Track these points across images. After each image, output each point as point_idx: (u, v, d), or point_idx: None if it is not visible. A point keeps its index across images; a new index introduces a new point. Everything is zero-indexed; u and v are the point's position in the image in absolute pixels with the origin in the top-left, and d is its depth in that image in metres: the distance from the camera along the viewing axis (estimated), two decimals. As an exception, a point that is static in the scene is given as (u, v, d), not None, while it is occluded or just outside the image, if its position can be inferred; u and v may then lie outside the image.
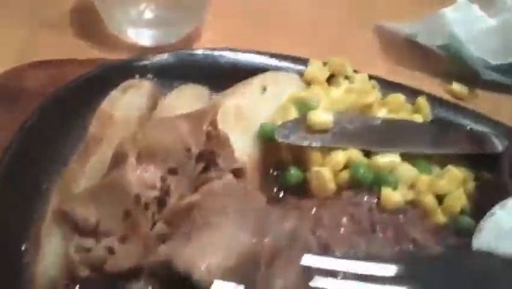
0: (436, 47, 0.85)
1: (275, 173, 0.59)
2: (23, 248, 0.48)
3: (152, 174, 0.48)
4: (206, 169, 0.50)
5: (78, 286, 0.47)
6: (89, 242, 0.48)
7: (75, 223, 0.47)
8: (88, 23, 0.81)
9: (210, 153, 0.49)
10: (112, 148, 0.53)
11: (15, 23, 0.78)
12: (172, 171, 0.49)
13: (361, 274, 0.45)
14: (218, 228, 0.45)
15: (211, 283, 0.41)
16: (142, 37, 0.80)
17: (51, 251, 0.48)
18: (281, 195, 0.58)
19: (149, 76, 0.64)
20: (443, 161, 0.61)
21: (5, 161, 0.52)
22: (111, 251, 0.46)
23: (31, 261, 0.47)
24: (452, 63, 0.86)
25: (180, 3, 0.79)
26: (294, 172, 0.58)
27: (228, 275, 0.42)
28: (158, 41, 0.79)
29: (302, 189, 0.58)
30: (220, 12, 0.86)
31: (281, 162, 0.60)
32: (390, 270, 0.44)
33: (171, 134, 0.49)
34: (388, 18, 0.92)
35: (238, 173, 0.49)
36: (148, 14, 0.78)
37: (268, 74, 0.65)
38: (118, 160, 0.48)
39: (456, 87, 0.81)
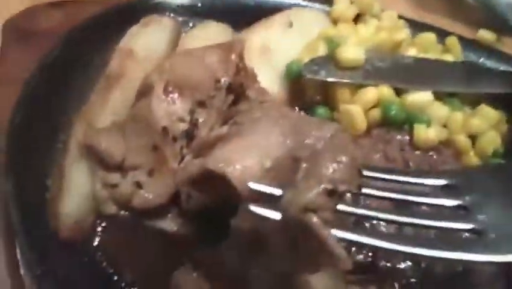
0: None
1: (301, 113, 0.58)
2: (47, 183, 0.47)
3: (179, 106, 0.46)
4: (235, 102, 0.47)
5: (105, 223, 0.46)
6: (115, 177, 0.46)
7: (101, 157, 0.45)
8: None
9: (239, 86, 0.47)
10: (133, 83, 0.51)
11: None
12: (201, 104, 0.46)
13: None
14: (254, 133, 0.41)
15: (246, 184, 0.38)
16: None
17: (76, 186, 0.46)
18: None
19: (169, 13, 0.62)
20: (476, 102, 0.59)
21: (25, 93, 0.50)
22: (138, 185, 0.45)
23: (56, 196, 0.46)
24: (480, 9, 0.83)
25: None
26: (321, 111, 0.56)
27: (265, 176, 0.38)
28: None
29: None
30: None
31: (308, 102, 0.58)
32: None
33: (200, 65, 0.47)
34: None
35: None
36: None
37: (293, 10, 0.62)
38: (144, 92, 0.46)
39: (484, 33, 0.77)
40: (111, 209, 0.46)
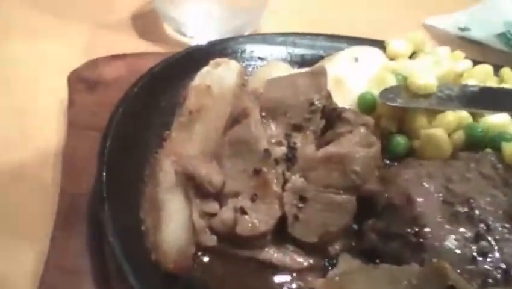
0: (492, 37, 0.85)
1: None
2: (140, 216, 0.44)
3: (276, 131, 0.45)
4: (330, 125, 0.47)
5: (207, 257, 0.42)
6: (213, 206, 0.44)
7: (200, 185, 0.43)
8: (146, 25, 0.81)
9: (333, 110, 0.47)
10: (213, 116, 0.51)
11: (79, 27, 0.78)
12: (296, 128, 0.46)
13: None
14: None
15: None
16: (201, 35, 0.80)
17: (174, 218, 0.43)
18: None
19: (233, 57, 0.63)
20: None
21: (110, 132, 0.48)
22: (243, 211, 0.42)
23: (155, 229, 0.42)
24: (509, 52, 0.87)
25: (240, 7, 0.80)
26: (401, 140, 0.55)
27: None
28: (216, 40, 0.79)
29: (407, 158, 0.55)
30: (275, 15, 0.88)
31: (382, 133, 0.57)
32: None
33: (292, 89, 0.47)
34: (436, 14, 0.94)
35: (367, 127, 0.46)
36: (210, 13, 0.78)
37: (355, 48, 0.64)
38: (238, 118, 0.45)
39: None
40: (211, 240, 0.43)
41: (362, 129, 0.45)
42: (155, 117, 0.54)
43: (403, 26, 0.94)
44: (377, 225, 0.46)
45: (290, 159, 0.45)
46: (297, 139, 0.46)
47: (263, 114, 0.46)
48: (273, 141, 0.45)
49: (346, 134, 0.45)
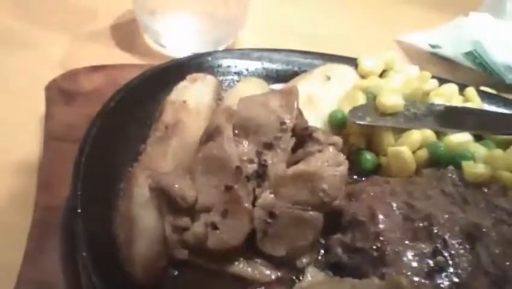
0: (460, 55, 0.89)
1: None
2: (113, 231, 0.45)
3: (247, 148, 0.47)
4: (300, 144, 0.49)
5: (177, 270, 0.44)
6: (185, 220, 0.45)
7: (172, 200, 0.44)
8: (126, 35, 0.83)
9: (304, 129, 0.49)
10: (189, 131, 0.52)
11: (59, 37, 0.78)
12: (267, 146, 0.48)
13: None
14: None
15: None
16: (179, 48, 0.82)
17: (145, 232, 0.44)
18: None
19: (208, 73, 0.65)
20: (502, 143, 0.62)
21: (86, 145, 0.49)
22: (214, 226, 0.44)
23: (128, 242, 0.44)
24: (476, 71, 0.90)
25: (219, 19, 0.82)
26: (369, 156, 0.58)
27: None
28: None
29: (374, 174, 0.58)
30: (254, 28, 0.90)
31: (351, 149, 0.60)
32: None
33: (264, 108, 0.48)
34: (408, 31, 0.98)
35: (336, 146, 0.48)
36: (188, 27, 0.80)
37: (327, 66, 0.66)
38: (212, 134, 0.47)
39: (486, 89, 0.84)
40: (182, 253, 0.44)
41: (331, 149, 0.47)
42: (132, 131, 0.55)
43: (377, 41, 0.98)
44: (342, 240, 0.48)
45: (261, 176, 0.46)
46: (268, 156, 0.47)
47: (236, 131, 0.48)
48: (245, 158, 0.46)
49: (315, 153, 0.47)
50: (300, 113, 0.51)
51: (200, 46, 0.81)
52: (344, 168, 0.47)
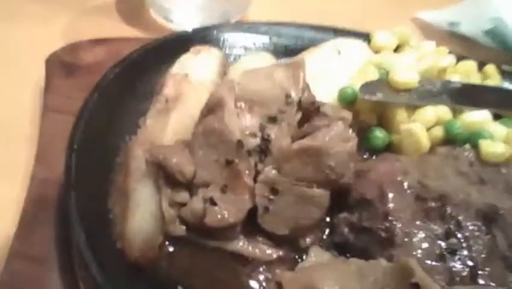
0: (480, 32, 0.85)
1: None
2: (108, 205, 0.43)
3: (250, 122, 0.44)
4: (307, 119, 0.46)
5: (173, 245, 0.42)
6: (183, 195, 0.43)
7: (170, 174, 0.42)
8: (131, 9, 0.80)
9: (311, 103, 0.46)
10: (191, 105, 0.50)
11: (62, 11, 0.76)
12: (271, 119, 0.45)
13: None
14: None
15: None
16: (185, 21, 0.79)
17: (142, 207, 0.43)
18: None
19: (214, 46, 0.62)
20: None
21: (82, 118, 0.48)
22: (212, 202, 0.42)
23: (122, 217, 0.42)
24: (497, 48, 0.86)
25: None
26: (380, 133, 0.55)
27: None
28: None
29: (386, 152, 0.55)
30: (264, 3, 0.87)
31: (362, 127, 0.57)
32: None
33: (269, 81, 0.46)
34: (427, 8, 0.94)
35: (344, 122, 0.46)
36: (194, 3, 0.76)
37: (339, 40, 0.63)
38: (213, 108, 0.44)
39: (507, 68, 0.80)
40: (180, 229, 0.42)
41: (340, 124, 0.44)
42: (131, 104, 0.53)
43: (392, 19, 0.94)
44: (349, 219, 0.46)
45: (264, 150, 0.44)
46: (272, 131, 0.45)
47: (239, 104, 0.45)
48: (247, 132, 0.44)
49: (322, 128, 0.44)
50: (307, 87, 0.48)
51: (207, 21, 0.78)
52: (352, 144, 0.44)
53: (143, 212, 0.42)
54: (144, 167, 0.44)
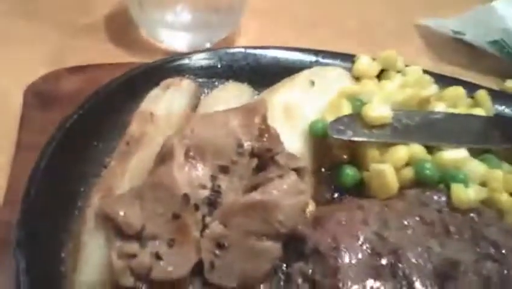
0: (486, 43, 0.80)
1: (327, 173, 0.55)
2: (62, 255, 0.44)
3: (201, 172, 0.44)
4: (263, 167, 0.45)
5: (122, 297, 0.43)
6: (133, 247, 0.43)
7: (118, 226, 0.43)
8: (121, 29, 0.80)
9: (266, 151, 0.45)
10: (154, 147, 0.49)
11: (50, 30, 0.77)
12: (223, 169, 0.45)
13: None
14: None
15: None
16: (177, 41, 0.78)
17: (93, 258, 0.43)
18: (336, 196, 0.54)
19: (188, 75, 0.62)
20: (513, 157, 0.55)
21: (43, 160, 0.48)
22: (158, 257, 0.42)
23: (72, 269, 0.43)
24: (503, 60, 0.81)
25: (217, 7, 0.77)
26: (350, 171, 0.53)
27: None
28: (192, 46, 0.76)
29: (358, 190, 0.53)
30: (255, 15, 0.85)
31: (333, 162, 0.55)
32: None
33: (221, 129, 0.45)
34: (431, 15, 0.89)
35: (299, 172, 0.45)
36: (184, 18, 0.75)
37: (314, 69, 0.61)
38: (164, 157, 0.44)
39: (511, 84, 0.75)
40: (129, 281, 0.43)
41: (292, 175, 0.43)
42: (99, 143, 0.54)
43: (397, 26, 0.90)
44: (303, 269, 0.45)
45: (213, 203, 0.44)
46: (223, 182, 0.44)
47: (191, 154, 0.45)
48: (197, 183, 0.44)
49: (275, 179, 0.43)
50: (264, 132, 0.47)
51: (197, 38, 0.78)
52: (304, 197, 0.43)
53: (91, 265, 0.43)
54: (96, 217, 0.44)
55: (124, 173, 0.48)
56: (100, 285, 0.43)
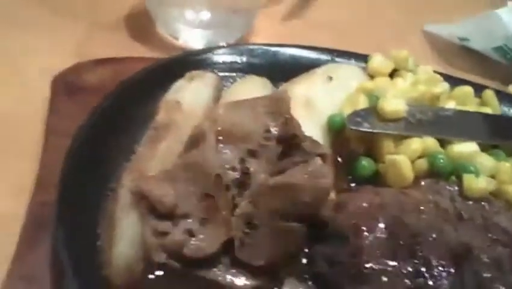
0: (490, 49, 0.84)
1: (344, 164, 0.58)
2: (98, 231, 0.46)
3: (230, 155, 0.47)
4: (288, 153, 0.48)
5: (156, 272, 0.45)
6: (166, 225, 0.46)
7: (152, 204, 0.45)
8: (140, 25, 0.82)
9: (292, 137, 0.48)
10: (180, 133, 0.52)
11: (72, 25, 0.79)
12: (251, 153, 0.47)
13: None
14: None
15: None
16: (193, 38, 0.81)
17: (127, 235, 0.45)
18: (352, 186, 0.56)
19: (211, 69, 0.64)
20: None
21: (75, 146, 0.51)
22: (190, 234, 0.44)
23: (107, 245, 0.45)
24: (506, 65, 0.85)
25: (236, 7, 0.80)
26: (366, 162, 0.56)
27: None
28: (208, 44, 0.79)
29: (374, 180, 0.56)
30: (269, 16, 0.88)
31: (350, 153, 0.58)
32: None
33: (250, 115, 0.48)
34: (436, 22, 0.93)
35: (323, 158, 0.47)
36: (203, 16, 0.78)
37: (331, 65, 0.64)
38: (196, 140, 0.47)
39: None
40: (161, 257, 0.45)
41: (317, 160, 0.46)
42: (129, 130, 0.55)
43: (403, 31, 0.94)
44: (325, 251, 0.47)
45: (242, 184, 0.46)
46: (252, 164, 0.47)
47: (220, 138, 0.47)
48: (227, 165, 0.46)
49: (300, 164, 0.46)
50: (289, 120, 0.49)
51: (213, 37, 0.81)
52: (328, 180, 0.46)
53: (126, 240, 0.45)
54: (130, 196, 0.47)
55: (154, 157, 0.50)
56: (134, 259, 0.45)
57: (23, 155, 0.59)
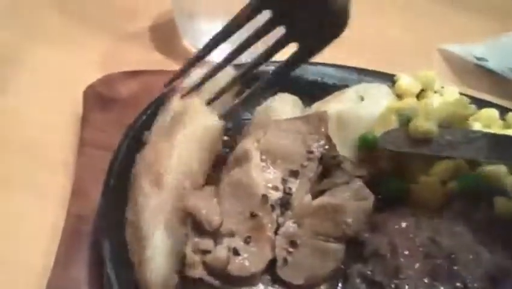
0: (508, 70, 0.85)
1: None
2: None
3: (273, 175, 0.48)
4: (327, 174, 0.49)
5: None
6: (207, 243, 0.46)
7: (198, 222, 0.46)
8: (166, 37, 0.83)
9: (332, 157, 0.48)
10: (198, 125, 0.52)
11: (98, 37, 0.80)
12: (293, 173, 0.48)
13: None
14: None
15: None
16: (221, 53, 0.82)
17: (159, 249, 0.46)
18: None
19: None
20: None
21: (119, 155, 0.52)
22: (235, 252, 0.45)
23: (138, 260, 0.46)
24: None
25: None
26: (396, 183, 0.57)
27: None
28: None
29: (401, 200, 0.57)
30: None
31: (379, 172, 0.59)
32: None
33: (291, 135, 0.49)
34: (453, 41, 0.94)
35: (363, 179, 0.48)
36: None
37: (361, 85, 0.65)
38: (241, 160, 0.48)
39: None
40: (199, 273, 0.45)
41: (358, 182, 0.47)
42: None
43: (419, 49, 0.95)
44: (362, 271, 0.48)
45: (284, 204, 0.47)
46: (293, 185, 0.48)
47: (263, 157, 0.48)
48: (270, 185, 0.47)
49: (341, 185, 0.47)
50: (329, 140, 0.51)
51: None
52: (369, 202, 0.47)
53: (159, 255, 0.45)
54: (154, 204, 0.47)
55: (172, 152, 0.50)
56: (170, 273, 0.45)
57: (57, 168, 0.59)
